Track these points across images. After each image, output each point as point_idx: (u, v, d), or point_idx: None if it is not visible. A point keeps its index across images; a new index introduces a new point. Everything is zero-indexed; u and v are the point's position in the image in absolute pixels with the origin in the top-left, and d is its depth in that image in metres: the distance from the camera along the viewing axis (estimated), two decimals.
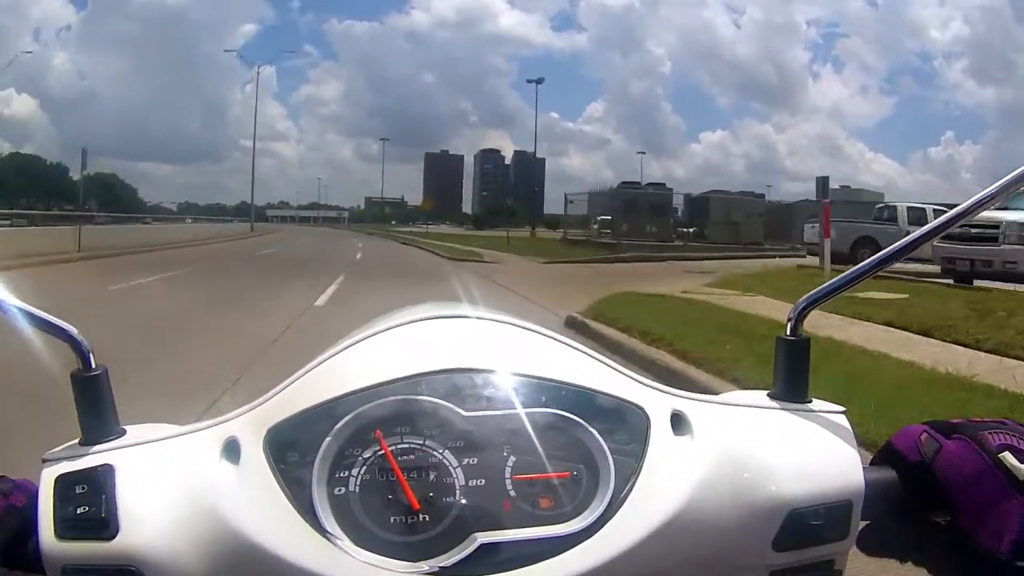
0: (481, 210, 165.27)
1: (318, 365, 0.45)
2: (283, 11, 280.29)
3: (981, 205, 0.44)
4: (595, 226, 32.94)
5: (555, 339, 0.48)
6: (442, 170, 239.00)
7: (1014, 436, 0.43)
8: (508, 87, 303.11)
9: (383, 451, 0.40)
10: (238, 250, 25.50)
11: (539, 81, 68.94)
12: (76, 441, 0.43)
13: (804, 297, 0.47)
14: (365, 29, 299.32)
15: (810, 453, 0.44)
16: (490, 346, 0.46)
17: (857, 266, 0.46)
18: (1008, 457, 0.41)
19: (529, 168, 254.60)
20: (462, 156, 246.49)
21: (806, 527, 0.41)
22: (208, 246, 27.12)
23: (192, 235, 31.55)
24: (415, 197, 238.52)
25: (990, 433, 0.43)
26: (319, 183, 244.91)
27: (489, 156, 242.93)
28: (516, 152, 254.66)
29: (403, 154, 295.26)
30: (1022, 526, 0.40)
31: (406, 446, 0.40)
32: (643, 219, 30.65)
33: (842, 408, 0.47)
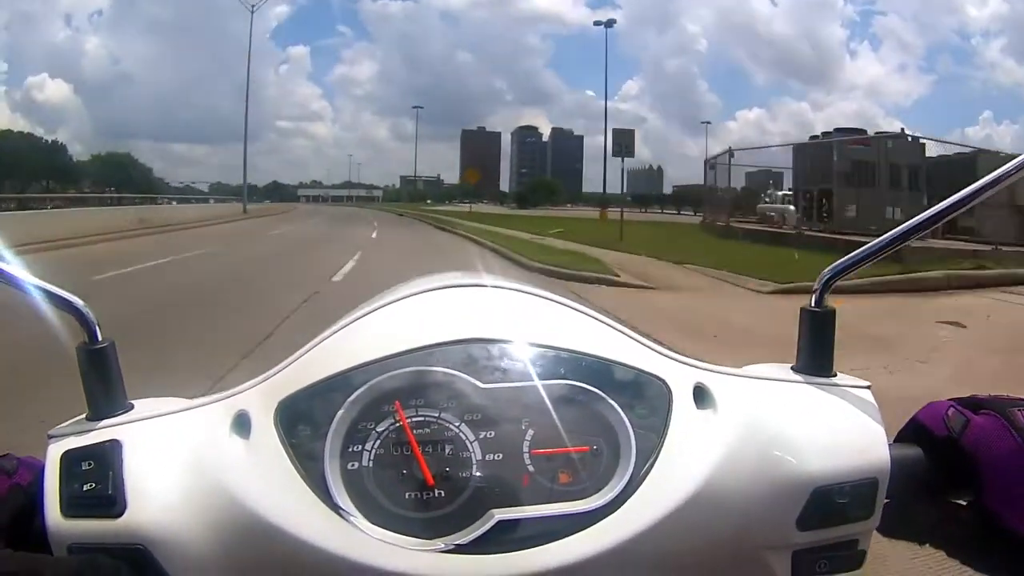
0: (521, 188, 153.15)
1: (330, 336, 0.43)
2: None
3: (1008, 177, 0.41)
4: (789, 207, 18.35)
5: (574, 308, 0.46)
6: (479, 147, 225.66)
7: None
8: (543, 66, 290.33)
9: (398, 424, 0.38)
10: (133, 253, 12.71)
11: (609, 24, 57.18)
12: (83, 416, 0.41)
13: (829, 267, 0.45)
14: (399, 8, 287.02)
15: (835, 429, 0.42)
16: (507, 316, 0.44)
17: (885, 235, 0.44)
18: None
19: (567, 146, 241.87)
20: (499, 133, 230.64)
21: (831, 505, 0.40)
22: (102, 244, 14.55)
23: (113, 222, 18.54)
24: (451, 176, 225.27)
25: (1020, 410, 0.42)
26: (350, 160, 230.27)
27: (527, 133, 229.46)
28: (554, 129, 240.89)
29: (438, 132, 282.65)
30: None
31: (421, 419, 0.38)
32: (879, 195, 15.79)
33: (867, 383, 0.45)
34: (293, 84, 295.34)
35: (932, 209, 0.43)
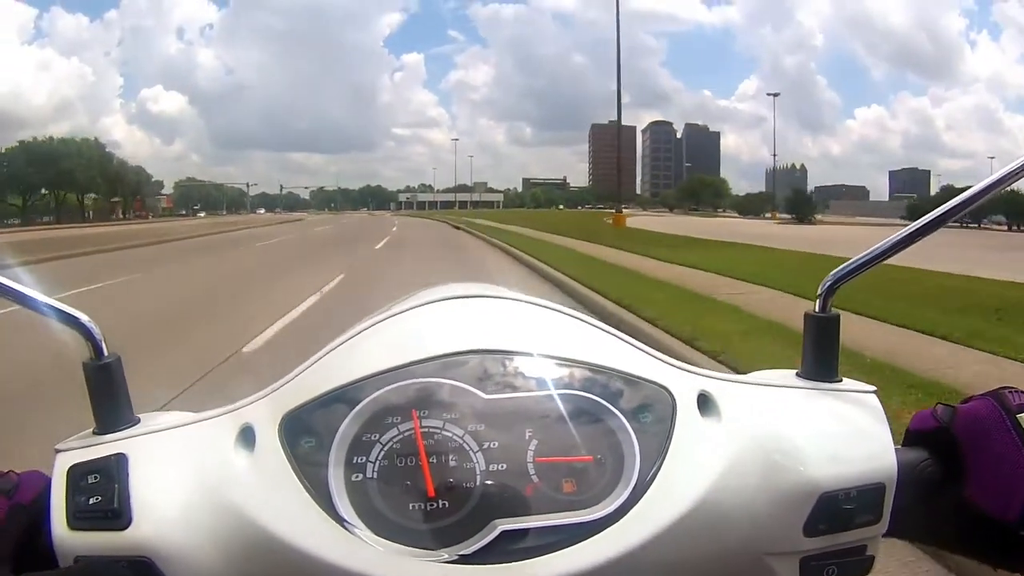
0: (677, 191, 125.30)
1: (335, 348, 0.42)
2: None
3: (1012, 176, 0.39)
4: None
5: (576, 317, 0.44)
6: (612, 143, 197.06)
7: None
8: (658, 65, 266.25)
9: (403, 435, 0.36)
10: None
11: None
12: (90, 431, 0.40)
13: (833, 272, 0.42)
14: (511, 12, 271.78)
15: (841, 434, 0.40)
16: (510, 326, 0.42)
17: (888, 239, 0.41)
18: None
19: (702, 143, 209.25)
20: (634, 127, 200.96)
21: (838, 511, 0.38)
22: None
23: None
24: (575, 179, 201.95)
25: (1010, 392, 0.40)
26: (455, 152, 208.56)
27: (659, 129, 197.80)
28: (687, 125, 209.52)
29: (557, 137, 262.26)
30: None
31: (425, 430, 0.37)
32: None
33: (873, 388, 0.42)
34: (409, 91, 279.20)
35: (938, 210, 0.40)
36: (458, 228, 28.89)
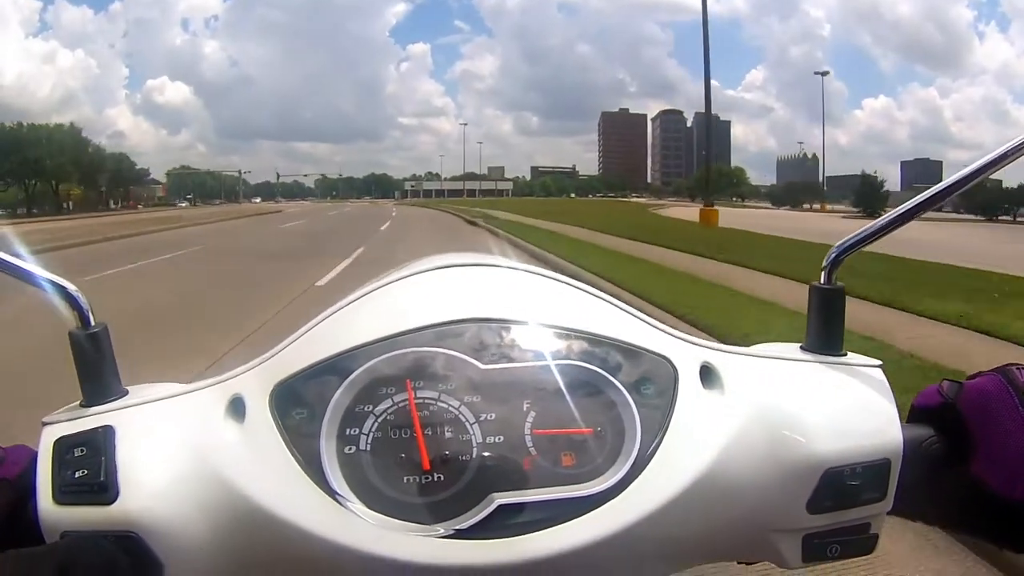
0: (695, 179, 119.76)
1: (328, 317, 0.40)
2: None
3: (1016, 152, 0.38)
4: None
5: (576, 287, 0.43)
6: (622, 132, 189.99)
7: None
8: (666, 55, 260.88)
9: (397, 406, 0.35)
10: None
11: None
12: (77, 403, 0.39)
13: (839, 243, 0.41)
14: (516, 1, 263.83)
15: (846, 409, 0.38)
16: (509, 295, 0.41)
17: (893, 211, 0.40)
18: None
19: (713, 131, 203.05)
20: (645, 115, 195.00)
21: (842, 487, 0.37)
22: None
23: None
24: (582, 168, 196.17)
25: (1018, 369, 0.39)
26: (463, 139, 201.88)
27: (670, 118, 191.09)
28: (698, 114, 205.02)
29: (563, 127, 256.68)
30: None
31: (420, 401, 0.35)
32: None
33: (879, 362, 0.41)
34: (415, 81, 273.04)
35: (941, 184, 0.40)
36: (474, 224, 21.78)
